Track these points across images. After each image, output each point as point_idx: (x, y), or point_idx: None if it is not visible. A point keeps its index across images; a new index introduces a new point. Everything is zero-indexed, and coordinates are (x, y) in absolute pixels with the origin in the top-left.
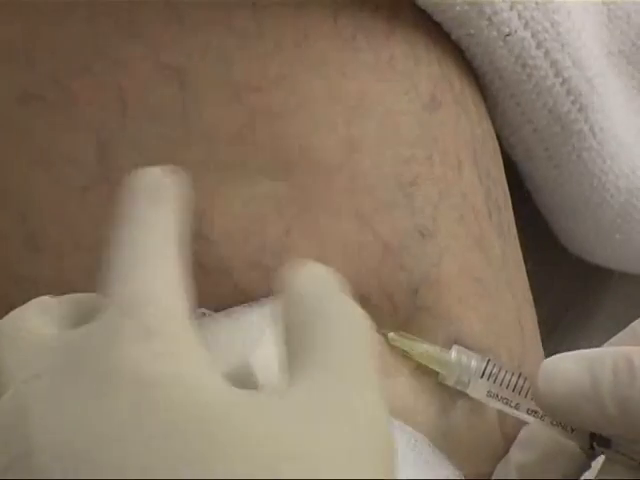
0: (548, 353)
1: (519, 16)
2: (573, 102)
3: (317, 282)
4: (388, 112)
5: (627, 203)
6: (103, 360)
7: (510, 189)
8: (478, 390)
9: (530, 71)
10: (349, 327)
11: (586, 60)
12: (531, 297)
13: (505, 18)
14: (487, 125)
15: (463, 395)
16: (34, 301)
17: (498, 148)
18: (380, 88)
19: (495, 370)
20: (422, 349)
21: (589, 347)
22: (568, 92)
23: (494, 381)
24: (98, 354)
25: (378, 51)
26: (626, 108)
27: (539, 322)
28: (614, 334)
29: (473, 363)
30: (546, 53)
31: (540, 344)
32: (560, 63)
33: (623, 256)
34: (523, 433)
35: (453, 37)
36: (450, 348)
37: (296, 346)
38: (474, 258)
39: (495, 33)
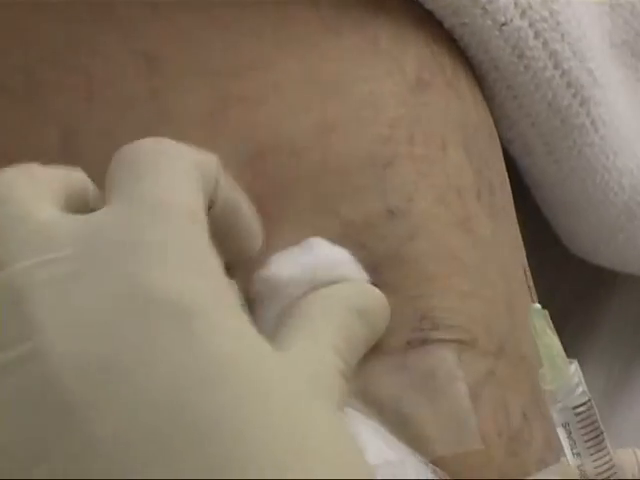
0: None
1: (515, 4)
2: (574, 95)
3: None
4: (369, 93)
5: (631, 201)
6: (131, 273)
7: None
8: (561, 414)
9: (528, 62)
10: None
11: (587, 51)
12: (529, 284)
13: (501, 6)
14: (484, 112)
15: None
16: (21, 171)
17: (496, 135)
18: (362, 70)
19: (589, 413)
20: (552, 342)
21: (593, 357)
22: (568, 84)
23: (578, 422)
24: (126, 263)
25: (362, 34)
26: (629, 101)
27: None
28: (620, 342)
29: (578, 392)
30: (544, 43)
31: None
32: (560, 54)
33: (627, 257)
34: None
35: (446, 26)
36: (421, 325)
37: None
38: (454, 238)
39: (490, 22)
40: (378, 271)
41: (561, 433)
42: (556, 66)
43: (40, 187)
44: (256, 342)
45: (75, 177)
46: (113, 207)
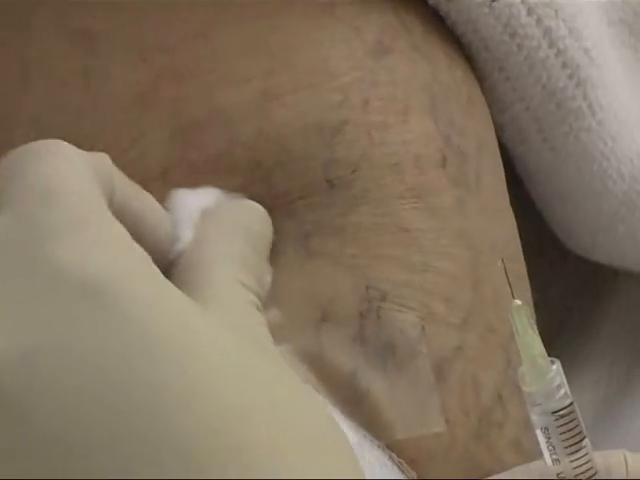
0: None
1: None
2: (570, 76)
3: None
4: (320, 60)
5: (631, 190)
6: (35, 258)
7: None
8: (540, 418)
9: (520, 41)
10: None
11: (583, 29)
12: (517, 253)
13: None
14: (463, 73)
15: None
16: None
17: (479, 98)
18: (314, 37)
19: (570, 417)
20: (533, 341)
21: (592, 359)
22: (564, 65)
23: (558, 427)
24: (27, 251)
25: (317, 2)
26: (628, 83)
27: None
28: (618, 347)
29: (561, 392)
30: (538, 21)
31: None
32: (554, 32)
33: (627, 251)
34: None
35: (430, 2)
36: (368, 295)
37: None
38: (404, 207)
39: None
40: (308, 239)
41: (540, 437)
42: (551, 45)
43: None
44: (178, 305)
45: None
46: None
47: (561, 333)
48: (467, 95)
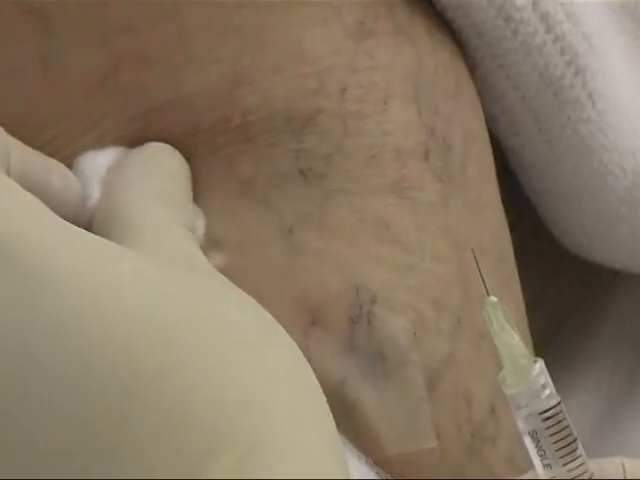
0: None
1: None
2: (568, 64)
3: None
4: (295, 42)
5: (634, 187)
6: None
7: None
8: (527, 422)
9: (516, 26)
10: None
11: (583, 14)
12: (506, 249)
13: None
14: (450, 56)
15: None
16: None
17: (468, 83)
18: (289, 17)
19: (558, 417)
20: (512, 340)
21: (592, 360)
22: (562, 51)
23: (547, 428)
24: None
25: None
26: (630, 72)
27: (532, 333)
28: (620, 348)
29: (546, 392)
30: (535, 4)
31: (516, 307)
32: (552, 16)
33: (629, 253)
34: None
35: None
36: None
37: None
38: (385, 202)
39: None
40: (292, 233)
41: (528, 443)
42: (548, 30)
43: None
44: (87, 247)
45: None
46: None
47: (559, 334)
48: (455, 81)
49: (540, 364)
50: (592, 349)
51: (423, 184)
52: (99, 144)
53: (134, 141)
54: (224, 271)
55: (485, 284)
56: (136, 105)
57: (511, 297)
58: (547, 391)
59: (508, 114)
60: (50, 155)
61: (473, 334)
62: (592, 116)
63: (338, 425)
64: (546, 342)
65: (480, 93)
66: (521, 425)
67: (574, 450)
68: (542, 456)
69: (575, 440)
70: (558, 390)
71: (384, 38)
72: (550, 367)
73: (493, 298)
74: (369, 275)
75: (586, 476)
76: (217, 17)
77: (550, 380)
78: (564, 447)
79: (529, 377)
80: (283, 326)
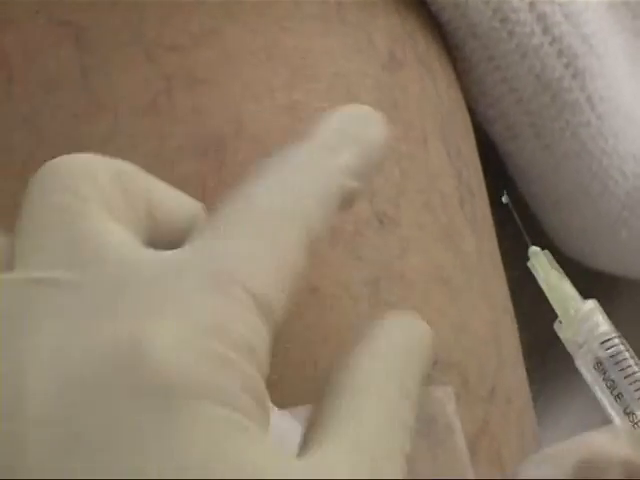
0: (541, 379)
1: None
2: (566, 66)
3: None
4: (339, 73)
5: (635, 191)
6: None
7: (487, 176)
8: (587, 358)
9: (512, 27)
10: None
11: (581, 14)
12: (511, 307)
13: None
14: (456, 94)
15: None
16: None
17: (469, 122)
18: (328, 44)
19: (622, 348)
20: (560, 283)
21: None
22: (560, 53)
23: (611, 357)
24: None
25: (324, 0)
26: (631, 73)
27: (527, 344)
28: None
29: (603, 328)
30: (532, 5)
31: (522, 365)
32: (549, 17)
33: (631, 260)
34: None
35: None
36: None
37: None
38: (441, 254)
39: None
40: (379, 286)
41: (595, 378)
42: (545, 31)
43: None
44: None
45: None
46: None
47: (558, 342)
48: (464, 119)
49: (593, 303)
50: None
51: (464, 234)
52: (172, 175)
53: (212, 176)
54: (322, 321)
55: (526, 235)
56: (198, 133)
57: (520, 357)
58: (603, 327)
59: (504, 118)
60: None
61: (503, 400)
62: (592, 120)
63: None
64: (544, 351)
65: (475, 97)
66: (583, 364)
67: None
68: (611, 387)
69: None
70: (558, 401)
71: (412, 70)
72: (548, 377)
73: (535, 248)
74: (435, 332)
75: None
76: (260, 44)
77: (607, 319)
78: (632, 374)
79: (581, 315)
80: None
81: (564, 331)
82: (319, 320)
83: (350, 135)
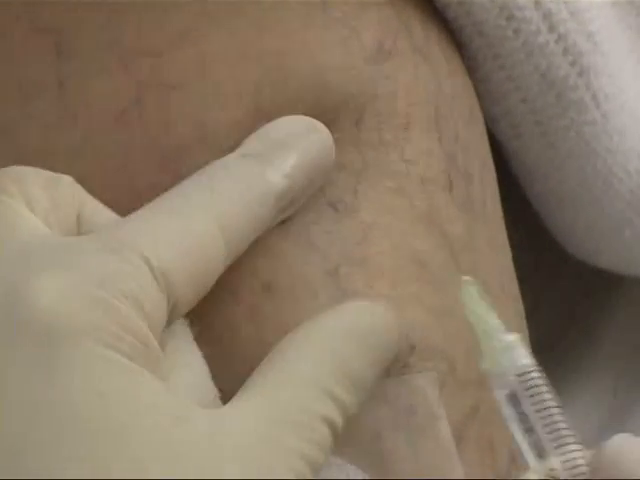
0: (547, 373)
1: None
2: (571, 64)
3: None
4: (316, 70)
5: (639, 189)
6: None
7: None
8: (503, 390)
9: (517, 25)
10: None
11: (586, 11)
12: (514, 289)
13: None
14: (463, 80)
15: None
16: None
17: (478, 111)
18: (308, 40)
19: (538, 382)
20: (487, 313)
21: (594, 368)
22: (565, 51)
23: (526, 390)
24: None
25: None
26: (635, 71)
27: (533, 340)
28: (624, 353)
29: (522, 361)
30: (537, 3)
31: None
32: (555, 15)
33: (635, 258)
34: None
35: None
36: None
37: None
38: (419, 237)
39: None
40: (340, 274)
41: (508, 410)
42: (551, 29)
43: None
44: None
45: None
46: None
47: (560, 342)
48: (469, 107)
49: (515, 335)
50: (595, 358)
51: (451, 217)
52: (129, 194)
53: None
54: (277, 319)
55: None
56: (164, 143)
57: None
58: (524, 360)
59: (509, 116)
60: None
61: None
62: (597, 118)
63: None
64: (548, 349)
65: (481, 94)
66: (499, 396)
67: (556, 414)
68: (523, 421)
69: (558, 407)
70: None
71: (404, 59)
72: (552, 375)
73: (467, 278)
74: (410, 318)
75: (571, 440)
76: (235, 46)
77: (528, 351)
78: (545, 409)
79: (505, 348)
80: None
81: (484, 362)
82: (275, 317)
83: (282, 141)
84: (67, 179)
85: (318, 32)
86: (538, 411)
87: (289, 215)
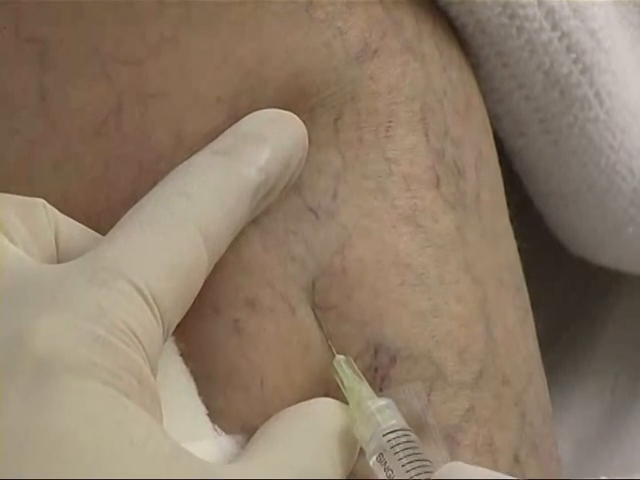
0: (546, 371)
1: None
2: (575, 61)
3: None
4: (296, 74)
5: None
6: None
7: None
8: (373, 451)
9: (521, 23)
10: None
11: (589, 9)
12: (517, 282)
13: None
14: (459, 74)
15: None
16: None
17: (478, 103)
18: (290, 45)
19: (403, 440)
20: (359, 386)
21: (593, 366)
22: (568, 49)
23: (391, 447)
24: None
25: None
26: (637, 69)
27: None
28: (624, 351)
29: (390, 422)
30: (540, 0)
31: (530, 338)
32: (558, 13)
33: (636, 255)
34: None
35: None
36: (376, 361)
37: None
38: (402, 239)
39: None
40: (317, 289)
41: (377, 469)
42: (554, 27)
43: None
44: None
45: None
46: None
47: (560, 340)
48: (465, 100)
49: (386, 400)
50: (593, 356)
51: (437, 214)
52: (108, 204)
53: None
54: (259, 335)
55: (332, 347)
56: (140, 155)
57: (528, 331)
58: (391, 421)
59: (513, 114)
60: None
61: (496, 382)
62: (600, 115)
63: None
64: (548, 346)
65: (484, 93)
66: (370, 458)
67: (422, 466)
68: (390, 477)
69: (425, 460)
70: (559, 396)
71: (391, 57)
72: (551, 372)
73: (340, 356)
74: (392, 327)
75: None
76: (216, 52)
77: (399, 415)
78: (409, 463)
79: (373, 411)
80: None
81: (357, 430)
82: (257, 333)
83: (254, 135)
84: (40, 202)
85: (300, 36)
86: (403, 465)
87: (264, 208)
